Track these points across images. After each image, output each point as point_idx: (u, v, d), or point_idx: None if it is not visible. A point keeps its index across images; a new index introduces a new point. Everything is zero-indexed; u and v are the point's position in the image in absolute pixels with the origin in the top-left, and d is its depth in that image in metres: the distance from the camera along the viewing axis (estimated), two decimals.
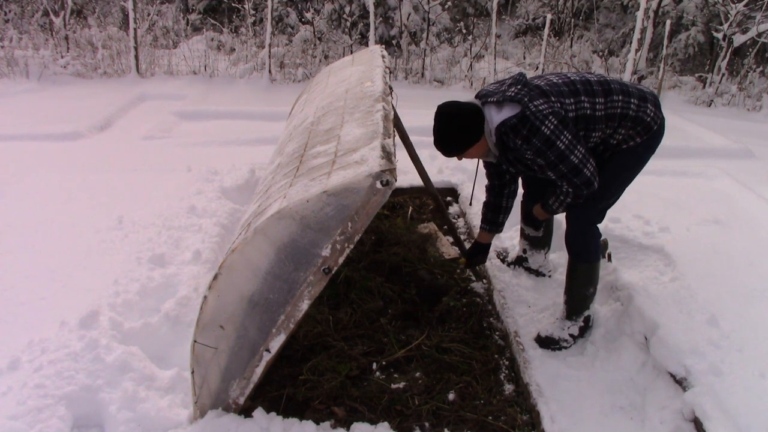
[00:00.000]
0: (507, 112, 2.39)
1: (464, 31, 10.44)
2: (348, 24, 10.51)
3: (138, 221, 3.76)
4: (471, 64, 9.67)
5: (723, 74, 9.33)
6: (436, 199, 3.39)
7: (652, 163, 2.71)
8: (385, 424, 2.27)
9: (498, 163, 2.73)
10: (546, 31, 9.62)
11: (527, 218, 3.08)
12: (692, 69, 10.79)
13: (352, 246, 1.91)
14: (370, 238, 3.67)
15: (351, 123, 2.34)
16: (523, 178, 3.11)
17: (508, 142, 2.45)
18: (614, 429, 2.41)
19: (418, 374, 2.61)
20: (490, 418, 2.41)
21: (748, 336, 2.66)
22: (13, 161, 4.93)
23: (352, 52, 7.22)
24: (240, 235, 2.08)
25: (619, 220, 3.72)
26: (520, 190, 3.13)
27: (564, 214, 2.80)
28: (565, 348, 2.82)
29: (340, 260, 1.93)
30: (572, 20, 12.59)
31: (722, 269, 3.25)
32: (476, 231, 3.37)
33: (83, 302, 2.82)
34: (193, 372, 2.14)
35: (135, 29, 8.66)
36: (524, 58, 11.09)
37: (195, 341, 2.08)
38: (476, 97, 2.55)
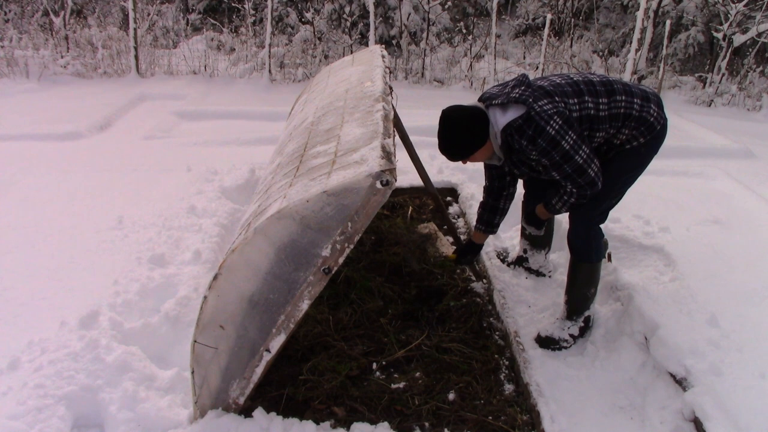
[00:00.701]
0: (512, 114, 2.39)
1: (464, 31, 10.44)
2: (348, 24, 10.51)
3: (138, 221, 3.76)
4: (471, 64, 9.68)
5: (723, 74, 9.33)
6: (436, 199, 3.39)
7: (653, 163, 2.71)
8: (385, 424, 2.27)
9: (501, 166, 2.73)
10: (546, 31, 9.62)
11: (530, 218, 3.07)
12: (692, 69, 10.79)
13: (352, 246, 1.91)
14: (370, 238, 3.67)
15: (351, 123, 2.34)
16: (524, 179, 3.11)
17: (513, 144, 2.45)
18: (614, 429, 2.41)
19: (418, 374, 2.61)
20: (490, 418, 2.41)
21: (748, 336, 2.66)
22: (13, 161, 4.93)
23: (352, 52, 7.22)
24: (240, 235, 2.08)
25: (619, 220, 3.72)
26: (519, 193, 3.13)
27: (566, 214, 2.80)
28: (565, 348, 2.82)
29: (340, 260, 1.93)
30: (572, 20, 12.59)
31: (722, 269, 3.25)
32: None
33: (83, 302, 2.82)
34: (193, 372, 2.14)
35: (135, 29, 8.66)
36: (524, 58, 11.09)
37: (195, 341, 2.09)
38: (480, 100, 2.55)
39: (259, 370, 2.11)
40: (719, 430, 2.17)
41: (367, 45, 9.79)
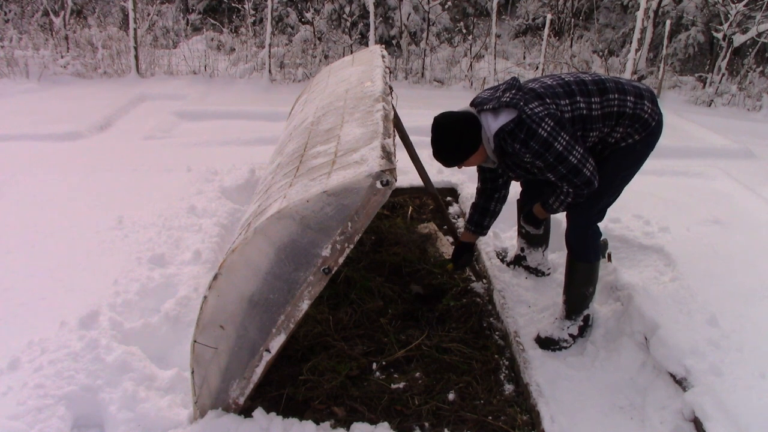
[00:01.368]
0: (504, 118, 2.38)
1: (464, 31, 10.44)
2: (348, 24, 10.51)
3: (138, 221, 3.76)
4: (471, 64, 9.68)
5: (723, 74, 9.33)
6: (436, 199, 3.39)
7: (652, 163, 2.71)
8: (385, 424, 2.27)
9: (494, 168, 2.73)
10: (546, 31, 9.62)
11: (527, 217, 3.07)
12: (692, 69, 10.79)
13: (352, 246, 1.91)
14: (370, 238, 3.68)
15: (351, 123, 2.34)
16: (520, 181, 3.10)
17: (506, 148, 2.44)
18: (614, 429, 2.41)
19: (418, 374, 2.61)
20: (490, 418, 2.41)
21: (748, 336, 2.66)
22: (13, 161, 4.93)
23: (352, 52, 7.22)
24: (240, 235, 2.08)
25: (619, 220, 3.72)
26: (512, 195, 3.12)
27: (564, 213, 2.80)
28: (565, 348, 2.82)
29: (340, 260, 1.93)
30: (572, 20, 12.59)
31: (722, 269, 3.25)
32: None
33: (83, 302, 2.82)
34: (193, 372, 2.14)
35: (135, 29, 8.65)
36: (524, 58, 11.09)
37: (195, 341, 2.09)
38: (471, 104, 2.54)
39: (259, 370, 2.11)
40: (719, 430, 2.17)
41: (367, 45, 9.79)
